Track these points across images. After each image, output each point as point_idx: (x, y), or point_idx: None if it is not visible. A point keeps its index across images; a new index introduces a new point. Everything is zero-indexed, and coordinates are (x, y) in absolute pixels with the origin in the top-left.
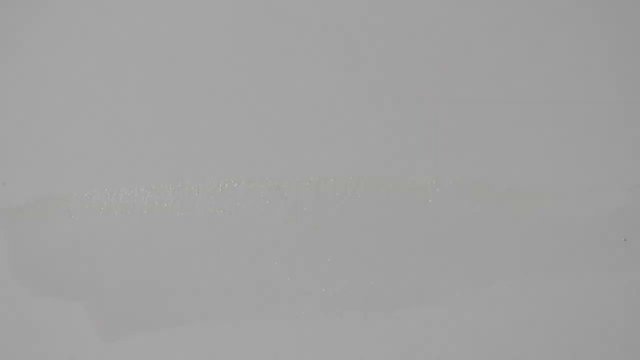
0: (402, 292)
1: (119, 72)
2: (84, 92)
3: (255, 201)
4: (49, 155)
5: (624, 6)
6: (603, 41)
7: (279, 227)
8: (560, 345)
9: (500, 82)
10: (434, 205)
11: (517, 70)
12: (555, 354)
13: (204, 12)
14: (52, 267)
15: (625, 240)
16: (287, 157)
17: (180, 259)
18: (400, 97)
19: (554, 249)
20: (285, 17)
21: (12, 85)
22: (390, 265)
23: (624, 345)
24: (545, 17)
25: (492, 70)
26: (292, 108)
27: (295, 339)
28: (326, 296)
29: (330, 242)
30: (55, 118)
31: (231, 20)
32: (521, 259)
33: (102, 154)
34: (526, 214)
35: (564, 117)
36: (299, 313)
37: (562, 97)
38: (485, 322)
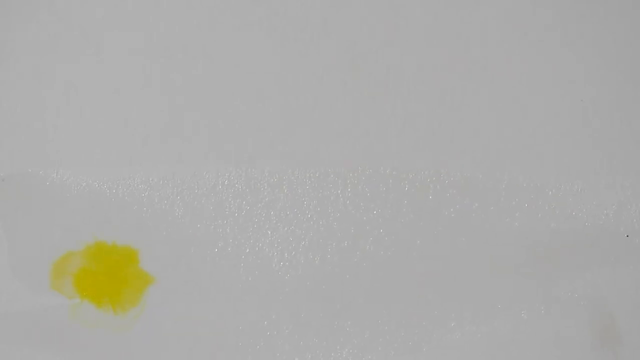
0: (402, 290)
1: (118, 65)
2: (82, 87)
3: (257, 197)
4: (45, 149)
5: (624, 5)
6: (603, 40)
7: (278, 223)
8: (563, 342)
9: (501, 79)
10: (434, 202)
11: (517, 69)
12: (556, 351)
13: (204, 7)
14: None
15: (627, 236)
16: (287, 152)
17: (180, 256)
18: (400, 94)
19: (556, 246)
20: (286, 12)
21: (11, 84)
22: (389, 262)
23: (626, 341)
24: (545, 15)
25: (493, 68)
26: (293, 103)
27: (293, 338)
28: (326, 294)
29: (329, 239)
30: (54, 114)
31: (232, 14)
32: (521, 256)
33: (102, 152)
34: (527, 211)
35: (564, 115)
36: (298, 310)
37: (563, 96)
38: (485, 320)
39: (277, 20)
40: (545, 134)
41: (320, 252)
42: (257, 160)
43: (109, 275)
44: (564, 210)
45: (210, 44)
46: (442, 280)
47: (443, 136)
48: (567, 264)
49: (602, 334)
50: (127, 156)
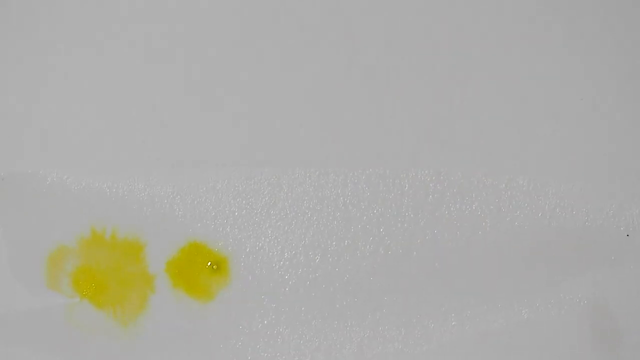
0: (402, 289)
1: (118, 65)
2: (83, 87)
3: (257, 196)
4: (48, 149)
5: (624, 5)
6: (603, 40)
7: (278, 222)
8: (563, 341)
9: (501, 79)
10: (434, 201)
11: (517, 68)
12: (556, 350)
13: (203, 7)
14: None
15: (628, 235)
16: (287, 151)
17: (180, 255)
18: (400, 94)
19: (556, 245)
20: (285, 12)
21: (11, 82)
22: (389, 261)
23: (626, 341)
24: (545, 15)
25: (492, 68)
26: (293, 103)
27: (293, 337)
28: (326, 293)
29: (329, 238)
30: (55, 114)
31: (231, 15)
32: (522, 256)
33: (102, 152)
34: (527, 210)
35: (564, 114)
36: (298, 310)
37: (563, 96)
38: (486, 319)
39: (277, 20)
40: (545, 133)
41: (320, 251)
42: (257, 160)
43: (110, 274)
44: (564, 210)
45: (210, 44)
46: (442, 279)
47: (443, 136)
48: (567, 264)
49: (602, 334)
50: (127, 156)
